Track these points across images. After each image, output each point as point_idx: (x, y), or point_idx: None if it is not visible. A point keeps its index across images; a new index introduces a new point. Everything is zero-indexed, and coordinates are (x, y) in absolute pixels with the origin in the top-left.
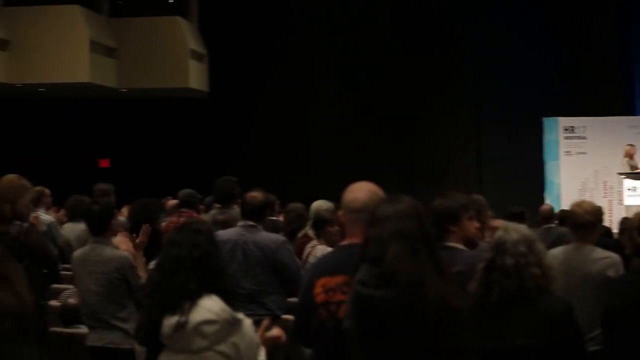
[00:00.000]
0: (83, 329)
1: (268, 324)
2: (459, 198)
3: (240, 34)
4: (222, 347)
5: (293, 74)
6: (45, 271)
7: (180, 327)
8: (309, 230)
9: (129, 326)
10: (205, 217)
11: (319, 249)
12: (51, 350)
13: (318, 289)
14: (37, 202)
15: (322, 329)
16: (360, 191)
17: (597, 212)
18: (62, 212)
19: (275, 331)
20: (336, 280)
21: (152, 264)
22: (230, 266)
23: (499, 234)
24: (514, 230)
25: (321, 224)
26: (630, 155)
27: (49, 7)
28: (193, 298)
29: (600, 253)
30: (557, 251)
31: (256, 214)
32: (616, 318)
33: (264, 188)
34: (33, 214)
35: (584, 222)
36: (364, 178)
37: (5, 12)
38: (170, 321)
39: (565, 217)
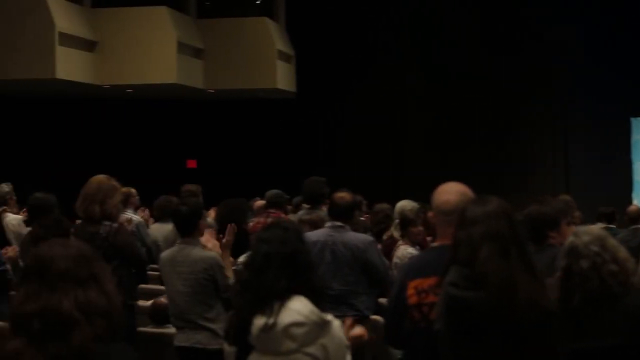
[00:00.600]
0: (172, 329)
1: (351, 323)
2: (556, 203)
3: (327, 34)
4: (311, 349)
5: (380, 74)
6: (133, 271)
7: (269, 328)
8: (394, 231)
9: (217, 326)
10: (292, 217)
11: (401, 249)
12: (140, 349)
13: (410, 291)
14: (125, 203)
15: (414, 331)
16: (451, 193)
17: None
18: (148, 212)
19: (358, 330)
20: (428, 281)
21: (240, 260)
22: (319, 267)
23: (569, 239)
24: (584, 233)
25: (405, 225)
26: None
27: (137, 8)
28: (283, 296)
29: None
30: None
31: (344, 214)
32: None
33: (351, 189)
34: (122, 214)
35: None
36: (450, 179)
37: (92, 14)
38: (259, 322)
39: None
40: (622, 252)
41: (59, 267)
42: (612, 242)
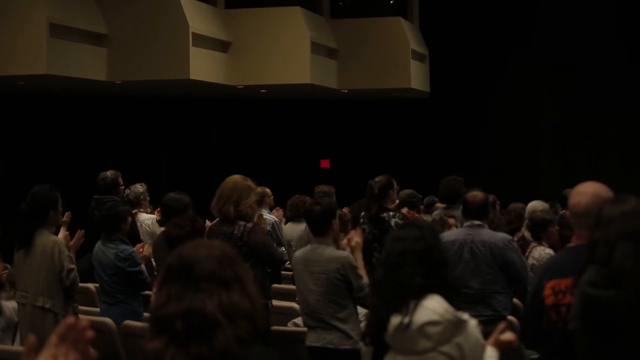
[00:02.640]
0: (304, 328)
1: (504, 327)
2: None
3: (461, 34)
4: (447, 348)
5: (515, 75)
6: (268, 270)
7: (404, 327)
8: (525, 232)
9: (348, 327)
10: (426, 217)
11: (539, 250)
12: (274, 349)
13: (547, 291)
14: (259, 203)
15: (551, 332)
16: (584, 195)
17: None
18: (282, 212)
19: (509, 335)
20: (566, 282)
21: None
22: (458, 266)
23: None
24: None
25: (539, 226)
26: None
27: (270, 9)
28: (419, 294)
29: None
30: None
31: (478, 212)
32: None
33: (485, 189)
34: (257, 213)
35: None
36: (588, 178)
37: (226, 15)
38: (395, 321)
39: None
40: None
41: (203, 268)
42: None
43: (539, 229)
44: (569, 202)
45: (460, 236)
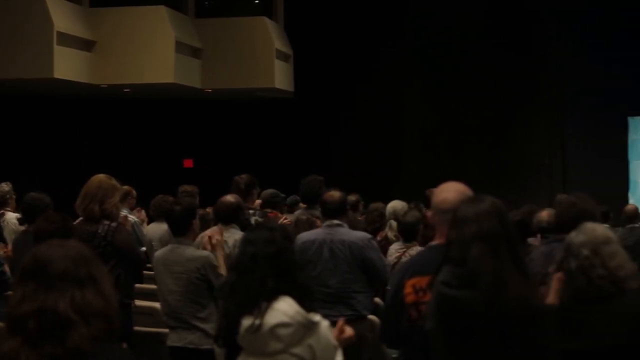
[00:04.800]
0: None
1: (343, 324)
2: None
3: (326, 34)
4: (298, 350)
5: (378, 75)
6: (131, 270)
7: (255, 329)
8: (388, 232)
9: (209, 326)
10: (290, 217)
11: (414, 250)
12: (135, 349)
13: (408, 289)
14: (122, 202)
15: (411, 330)
16: (450, 192)
17: None
18: (144, 213)
19: (348, 331)
20: (426, 280)
21: None
22: (317, 266)
23: (570, 235)
24: (582, 233)
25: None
26: None
27: (135, 7)
28: (270, 296)
29: None
30: None
31: (336, 212)
32: None
33: (348, 189)
34: (122, 214)
35: None
36: (449, 178)
37: (91, 13)
38: (246, 323)
39: None
40: (618, 260)
41: (57, 267)
42: (610, 248)
43: (412, 231)
44: (433, 200)
45: (320, 236)
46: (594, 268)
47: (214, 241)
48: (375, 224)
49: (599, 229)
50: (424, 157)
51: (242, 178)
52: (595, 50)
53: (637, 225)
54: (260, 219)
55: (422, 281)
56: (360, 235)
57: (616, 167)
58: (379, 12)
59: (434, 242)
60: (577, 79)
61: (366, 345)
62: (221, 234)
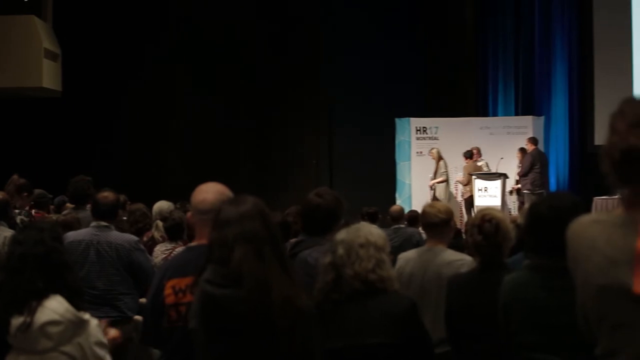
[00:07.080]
0: None
1: (106, 325)
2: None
3: (95, 33)
4: (67, 348)
5: (148, 74)
6: None
7: (25, 327)
8: (155, 232)
9: None
10: (55, 217)
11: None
12: None
13: (168, 290)
14: None
15: (171, 331)
16: (209, 192)
17: (449, 213)
18: None
19: (113, 332)
20: (186, 281)
21: None
22: (84, 267)
23: (338, 233)
24: (345, 231)
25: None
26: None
27: None
28: (40, 296)
29: (453, 255)
30: (411, 253)
31: (108, 214)
32: (457, 318)
33: (117, 189)
34: None
35: (437, 222)
36: (215, 179)
37: None
38: (16, 321)
39: (413, 217)
40: (372, 263)
41: None
42: (366, 251)
43: (177, 230)
44: (192, 201)
45: (87, 237)
46: (344, 267)
47: None
48: (138, 224)
49: (364, 230)
50: (192, 157)
51: (20, 180)
52: (364, 51)
53: (402, 226)
54: (25, 219)
55: (181, 282)
56: (127, 237)
57: (385, 167)
58: (147, 11)
59: (193, 243)
60: (346, 79)
61: (132, 346)
62: None
